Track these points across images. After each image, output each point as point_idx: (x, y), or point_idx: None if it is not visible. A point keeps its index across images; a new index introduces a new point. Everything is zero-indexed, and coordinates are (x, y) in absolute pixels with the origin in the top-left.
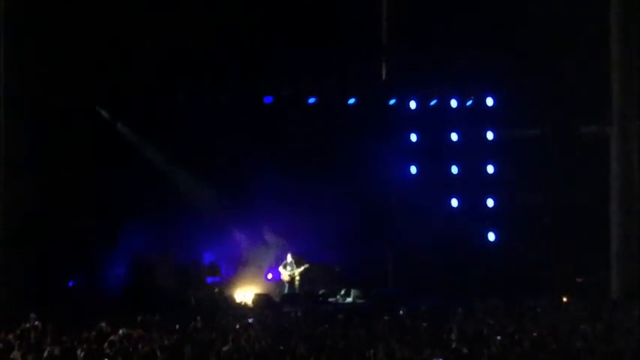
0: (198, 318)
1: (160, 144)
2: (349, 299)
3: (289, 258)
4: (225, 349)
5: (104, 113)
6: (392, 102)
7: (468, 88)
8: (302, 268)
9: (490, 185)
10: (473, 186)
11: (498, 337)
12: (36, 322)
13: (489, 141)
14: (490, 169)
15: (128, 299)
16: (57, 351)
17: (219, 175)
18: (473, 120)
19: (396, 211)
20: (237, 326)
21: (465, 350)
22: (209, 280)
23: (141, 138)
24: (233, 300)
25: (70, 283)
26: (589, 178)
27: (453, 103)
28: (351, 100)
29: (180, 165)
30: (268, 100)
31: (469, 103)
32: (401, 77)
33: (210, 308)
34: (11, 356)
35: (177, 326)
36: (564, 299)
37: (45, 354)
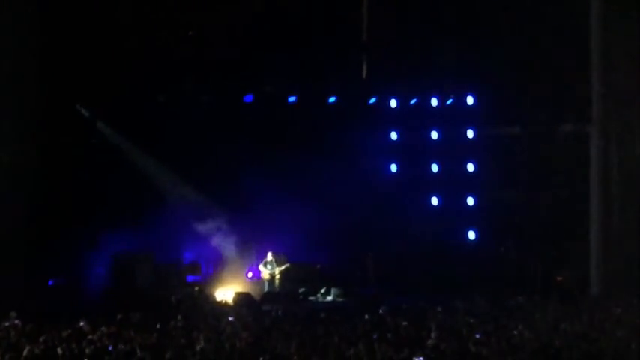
0: (179, 317)
1: (140, 143)
2: (329, 298)
3: (269, 256)
4: (205, 347)
5: (84, 112)
6: (372, 100)
7: (448, 87)
8: (283, 267)
9: (470, 184)
10: (453, 184)
11: (478, 336)
12: (16, 321)
13: (470, 139)
14: (470, 167)
15: (108, 298)
16: (37, 350)
17: (200, 174)
18: (453, 119)
19: (377, 209)
20: (218, 325)
21: (445, 348)
22: (189, 278)
23: (121, 137)
24: (213, 298)
25: (50, 282)
26: (569, 176)
27: (434, 102)
28: (332, 99)
29: (160, 164)
30: (249, 98)
31: (449, 101)
32: (381, 76)
33: (191, 307)
34: None
35: (157, 325)
36: (544, 297)
37: (24, 352)
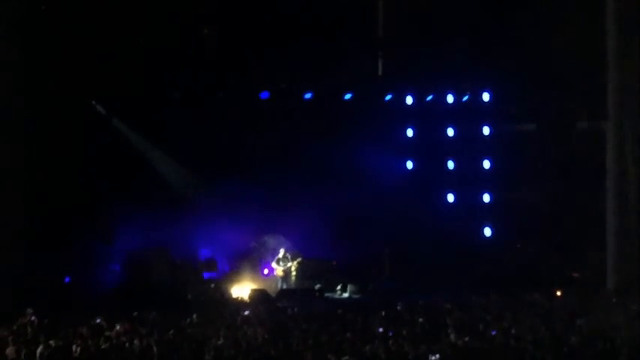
0: (195, 314)
1: (155, 140)
2: (346, 294)
3: (282, 253)
4: (221, 344)
5: (100, 108)
6: (388, 97)
7: (464, 84)
8: (295, 262)
9: (486, 180)
10: (469, 181)
11: (494, 332)
12: (32, 318)
13: (485, 136)
14: (486, 164)
15: (124, 295)
16: (53, 346)
17: (215, 171)
18: (469, 115)
19: (393, 206)
20: (234, 322)
21: (462, 345)
22: (206, 275)
23: (136, 134)
24: (229, 295)
25: (67, 279)
26: (585, 173)
27: (450, 99)
28: (348, 96)
29: (175, 161)
30: (264, 95)
31: (465, 98)
32: (397, 72)
33: (207, 304)
34: (7, 351)
35: (173, 322)
36: (560, 294)
37: (41, 349)
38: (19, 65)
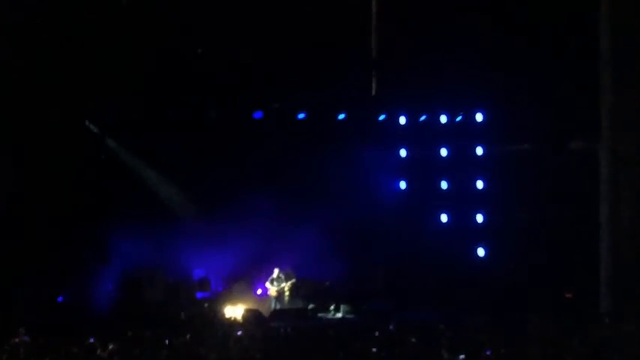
0: (188, 333)
1: (149, 159)
2: (339, 314)
3: (276, 273)
4: None
5: (93, 128)
6: (382, 117)
7: (457, 104)
8: (289, 282)
9: (480, 201)
10: (462, 201)
11: (488, 352)
12: (25, 337)
13: (479, 156)
14: (480, 184)
15: (118, 314)
16: None
17: (209, 190)
18: (462, 135)
19: (386, 226)
20: (227, 342)
21: None
22: (199, 295)
23: (130, 153)
24: (223, 315)
25: (60, 299)
26: (579, 193)
27: (443, 119)
28: (341, 116)
29: (170, 180)
30: (258, 115)
31: (459, 118)
32: (391, 93)
33: (200, 324)
34: None
35: (166, 341)
36: (554, 314)
37: None
38: (8, 86)
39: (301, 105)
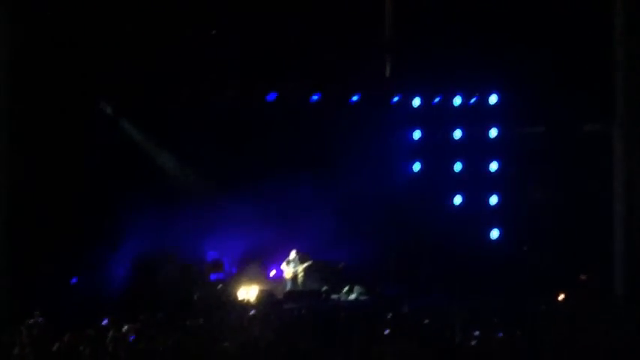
0: (201, 315)
1: (163, 141)
2: (352, 296)
3: (293, 255)
4: (227, 345)
5: (107, 109)
6: (395, 99)
7: (471, 86)
8: (305, 264)
9: (494, 183)
10: (476, 183)
11: (500, 335)
12: (39, 319)
13: (493, 138)
14: (494, 166)
15: (131, 297)
16: (60, 348)
17: (222, 172)
18: (476, 117)
19: (400, 208)
20: (240, 323)
21: (468, 347)
22: (212, 277)
23: (144, 135)
24: (236, 297)
25: (74, 280)
26: (593, 175)
27: (457, 101)
28: (355, 97)
29: (183, 162)
30: (271, 97)
31: (473, 100)
32: (404, 75)
33: (214, 306)
34: (14, 352)
35: (180, 324)
36: (568, 297)
37: (48, 351)
38: (27, 65)
39: (314, 87)
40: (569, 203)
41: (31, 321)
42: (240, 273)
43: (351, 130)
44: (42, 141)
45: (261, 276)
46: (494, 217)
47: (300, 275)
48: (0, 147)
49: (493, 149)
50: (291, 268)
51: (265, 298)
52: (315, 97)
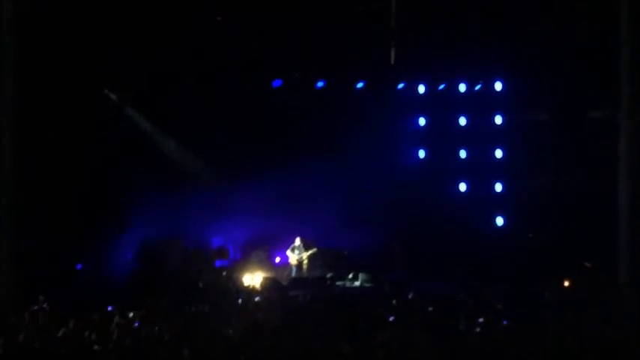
0: (207, 302)
1: (168, 128)
2: (357, 283)
3: (297, 241)
4: (232, 332)
5: (112, 97)
6: (400, 86)
7: (476, 73)
8: (310, 251)
9: (498, 170)
10: (481, 170)
11: (505, 322)
12: (44, 305)
13: (498, 125)
14: (498, 153)
15: (136, 283)
16: (65, 334)
17: (227, 159)
18: (481, 104)
19: (405, 195)
20: (245, 310)
21: (473, 334)
22: (217, 263)
23: (149, 122)
24: (241, 284)
25: (79, 266)
26: (597, 163)
27: (462, 88)
28: (360, 84)
29: (188, 149)
30: (276, 84)
31: (478, 87)
32: (409, 61)
33: (219, 292)
34: (19, 338)
35: (185, 310)
36: (572, 284)
37: (53, 336)
38: (32, 54)
39: (320, 73)
40: (574, 190)
41: (36, 307)
42: (245, 259)
43: (356, 117)
44: (48, 128)
45: (266, 263)
46: (499, 204)
47: (305, 262)
48: (6, 133)
49: (498, 136)
50: (295, 255)
51: (270, 285)
52: (320, 84)
